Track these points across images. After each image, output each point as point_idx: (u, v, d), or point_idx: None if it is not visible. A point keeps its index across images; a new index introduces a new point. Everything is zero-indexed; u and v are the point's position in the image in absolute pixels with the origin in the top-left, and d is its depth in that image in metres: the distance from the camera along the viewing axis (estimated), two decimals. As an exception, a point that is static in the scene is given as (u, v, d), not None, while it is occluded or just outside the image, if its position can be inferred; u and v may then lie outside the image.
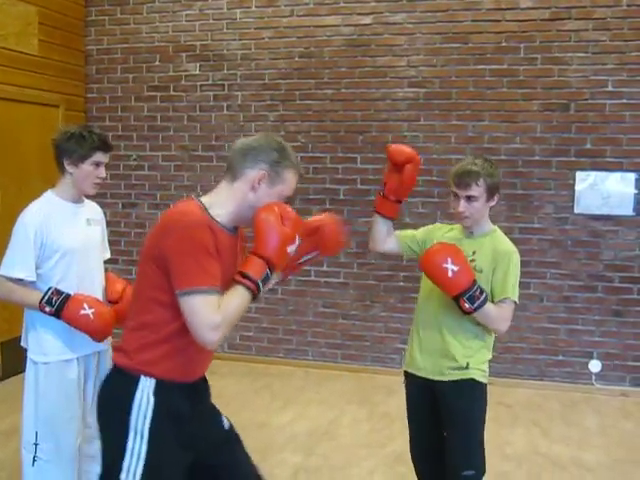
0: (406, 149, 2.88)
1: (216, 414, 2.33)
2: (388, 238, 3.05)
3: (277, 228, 2.05)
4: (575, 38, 5.53)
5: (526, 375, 5.80)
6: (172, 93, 6.43)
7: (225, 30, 6.25)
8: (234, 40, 6.24)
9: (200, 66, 6.35)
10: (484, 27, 5.69)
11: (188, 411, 2.13)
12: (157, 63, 6.45)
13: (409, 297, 5.81)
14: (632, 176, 5.51)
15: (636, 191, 5.52)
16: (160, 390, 2.06)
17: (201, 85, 6.36)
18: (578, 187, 5.61)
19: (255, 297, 2.06)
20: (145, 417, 2.04)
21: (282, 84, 6.16)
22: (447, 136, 5.84)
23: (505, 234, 2.97)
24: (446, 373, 2.85)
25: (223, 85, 6.31)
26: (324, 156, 6.11)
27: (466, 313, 2.71)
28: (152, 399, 2.04)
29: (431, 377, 2.89)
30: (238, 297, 2.01)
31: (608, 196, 5.56)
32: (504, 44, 5.66)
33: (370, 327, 6.11)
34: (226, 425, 2.32)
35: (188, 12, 6.33)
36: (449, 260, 2.68)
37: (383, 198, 2.96)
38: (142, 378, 2.05)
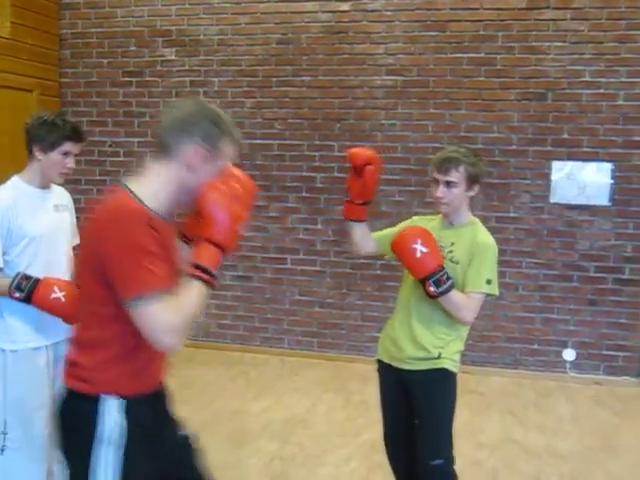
0: (365, 151, 2.87)
1: (177, 425, 2.15)
2: (366, 240, 3.05)
3: (227, 209, 1.88)
4: (553, 27, 5.53)
5: (501, 363, 5.83)
6: (148, 78, 6.34)
7: (202, 15, 6.17)
8: (211, 25, 6.16)
9: (176, 51, 6.27)
10: (462, 15, 5.67)
11: (156, 425, 2.00)
12: (132, 48, 6.36)
13: (385, 285, 5.80)
14: (608, 166, 5.54)
15: (612, 181, 5.55)
16: (131, 407, 1.89)
17: (177, 70, 6.28)
18: (554, 177, 5.63)
19: (212, 289, 1.88)
20: (118, 441, 1.86)
21: (259, 70, 6.10)
22: (424, 124, 5.82)
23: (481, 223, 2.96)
24: (418, 363, 2.85)
25: (199, 71, 6.23)
26: (301, 144, 6.07)
27: (431, 297, 2.73)
28: (124, 419, 1.86)
29: (403, 367, 2.89)
30: (195, 292, 1.83)
31: (584, 186, 5.59)
32: (482, 32, 5.64)
33: (346, 315, 6.10)
34: (186, 436, 2.16)
35: (164, -4, 6.24)
36: (419, 241, 2.71)
37: (350, 204, 2.97)
38: (107, 398, 1.87)
